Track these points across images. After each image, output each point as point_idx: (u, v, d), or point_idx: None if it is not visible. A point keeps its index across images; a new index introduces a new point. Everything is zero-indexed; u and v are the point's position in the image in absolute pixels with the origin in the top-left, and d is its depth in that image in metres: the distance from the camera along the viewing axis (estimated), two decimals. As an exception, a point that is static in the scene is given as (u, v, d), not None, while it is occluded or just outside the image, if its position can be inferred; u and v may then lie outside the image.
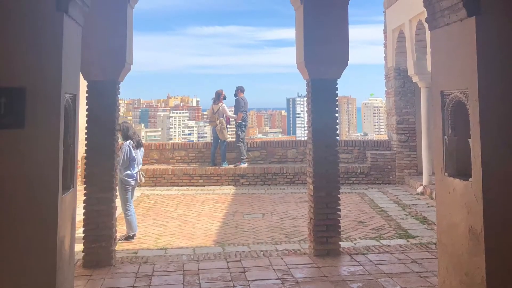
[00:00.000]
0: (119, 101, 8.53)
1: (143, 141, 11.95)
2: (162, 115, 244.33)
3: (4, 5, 5.02)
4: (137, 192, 13.50)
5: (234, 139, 17.48)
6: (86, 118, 7.97)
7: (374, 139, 31.72)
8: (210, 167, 16.65)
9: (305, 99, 9.19)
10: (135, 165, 10.11)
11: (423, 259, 8.31)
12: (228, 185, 16.22)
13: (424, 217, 11.67)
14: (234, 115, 17.78)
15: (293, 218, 11.70)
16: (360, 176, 16.61)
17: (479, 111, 5.40)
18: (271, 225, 11.03)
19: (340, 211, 8.67)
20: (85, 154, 8.01)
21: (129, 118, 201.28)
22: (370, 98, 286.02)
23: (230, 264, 8.11)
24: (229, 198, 14.38)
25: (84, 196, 7.91)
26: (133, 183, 10.09)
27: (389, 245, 9.23)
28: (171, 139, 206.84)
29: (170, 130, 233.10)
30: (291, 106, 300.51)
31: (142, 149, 10.50)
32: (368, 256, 8.51)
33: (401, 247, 9.09)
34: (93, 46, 7.84)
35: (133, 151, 10.03)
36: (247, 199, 14.12)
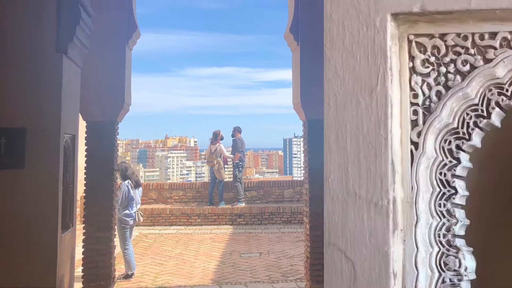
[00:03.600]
0: (118, 141, 8.62)
1: (142, 181, 12.01)
2: (160, 155, 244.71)
3: (5, 46, 5.15)
4: (136, 231, 13.51)
5: (231, 179, 17.49)
6: (85, 158, 8.03)
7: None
8: (208, 206, 16.65)
9: (302, 139, 9.27)
10: (134, 205, 10.16)
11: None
12: (226, 224, 16.22)
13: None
14: (232, 155, 17.79)
15: (289, 257, 11.70)
16: (357, 215, 16.60)
17: None
18: (268, 264, 11.04)
19: (336, 250, 8.67)
20: (84, 194, 8.05)
21: (127, 158, 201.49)
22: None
23: (227, 303, 8.14)
24: (226, 237, 14.39)
25: (83, 235, 7.94)
26: (131, 222, 10.13)
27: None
28: (169, 179, 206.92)
29: (168, 170, 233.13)
30: (287, 146, 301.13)
31: (140, 188, 10.57)
32: (365, 294, 8.52)
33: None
34: (92, 87, 7.92)
35: (131, 191, 10.09)
36: (244, 238, 14.13)
